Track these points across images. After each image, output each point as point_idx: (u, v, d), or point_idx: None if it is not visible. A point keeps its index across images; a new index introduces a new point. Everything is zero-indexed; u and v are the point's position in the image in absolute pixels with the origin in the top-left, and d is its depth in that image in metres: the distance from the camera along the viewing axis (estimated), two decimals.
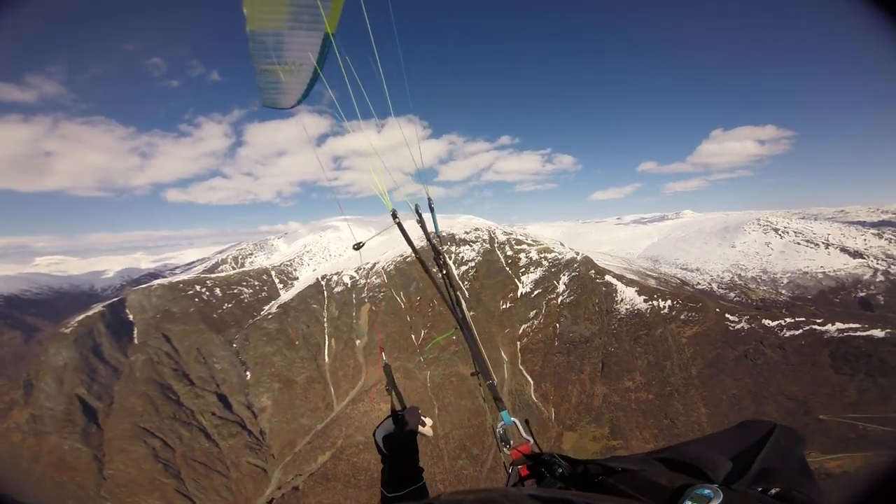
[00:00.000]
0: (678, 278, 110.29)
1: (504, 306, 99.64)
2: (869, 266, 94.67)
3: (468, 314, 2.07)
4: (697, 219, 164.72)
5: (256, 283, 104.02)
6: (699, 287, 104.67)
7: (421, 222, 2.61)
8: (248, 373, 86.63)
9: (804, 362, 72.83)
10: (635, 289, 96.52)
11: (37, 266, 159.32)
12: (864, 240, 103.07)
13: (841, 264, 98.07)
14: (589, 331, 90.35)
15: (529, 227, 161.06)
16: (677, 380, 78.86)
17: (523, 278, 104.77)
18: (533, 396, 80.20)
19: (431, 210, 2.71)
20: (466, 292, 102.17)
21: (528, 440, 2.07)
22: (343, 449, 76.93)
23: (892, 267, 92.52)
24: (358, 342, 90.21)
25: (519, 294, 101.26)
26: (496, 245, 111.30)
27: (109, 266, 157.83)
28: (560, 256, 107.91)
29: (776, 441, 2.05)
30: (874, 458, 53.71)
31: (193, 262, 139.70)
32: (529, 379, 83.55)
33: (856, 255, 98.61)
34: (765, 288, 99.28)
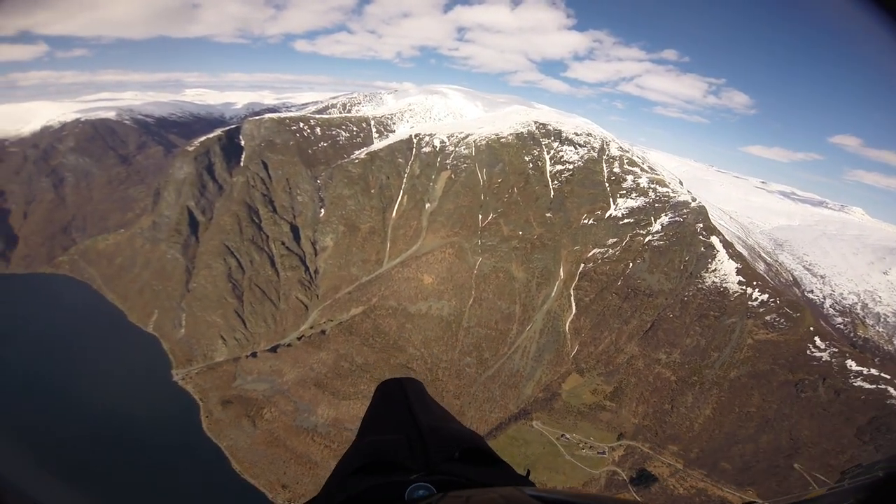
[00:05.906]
0: (793, 276, 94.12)
1: (585, 221, 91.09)
2: None
3: None
4: (865, 223, 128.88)
5: (355, 128, 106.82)
6: (809, 295, 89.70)
7: None
8: (322, 210, 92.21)
9: (839, 414, 63.12)
10: (737, 265, 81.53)
11: (185, 96, 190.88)
12: None
13: None
14: (660, 286, 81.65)
15: (651, 154, 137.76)
16: (711, 374, 71.71)
17: (619, 201, 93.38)
18: (566, 326, 79.86)
19: None
20: (552, 191, 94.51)
21: None
22: (374, 308, 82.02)
23: None
24: (427, 205, 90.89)
25: (607, 215, 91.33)
26: (605, 157, 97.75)
27: (239, 100, 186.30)
28: (672, 195, 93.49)
29: (413, 393, 2.41)
30: None
31: (307, 104, 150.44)
32: (574, 307, 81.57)
33: None
34: (881, 330, 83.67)
